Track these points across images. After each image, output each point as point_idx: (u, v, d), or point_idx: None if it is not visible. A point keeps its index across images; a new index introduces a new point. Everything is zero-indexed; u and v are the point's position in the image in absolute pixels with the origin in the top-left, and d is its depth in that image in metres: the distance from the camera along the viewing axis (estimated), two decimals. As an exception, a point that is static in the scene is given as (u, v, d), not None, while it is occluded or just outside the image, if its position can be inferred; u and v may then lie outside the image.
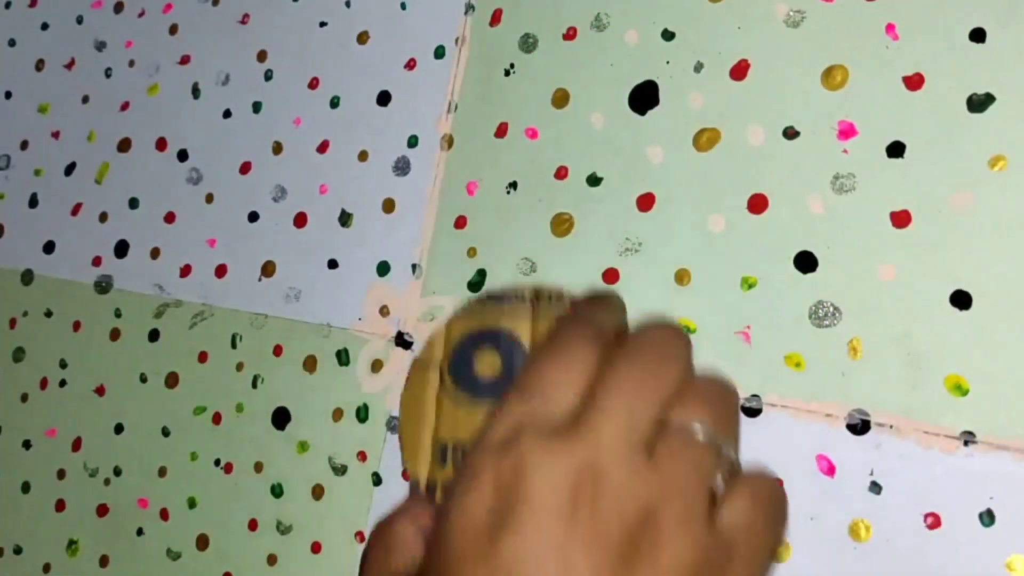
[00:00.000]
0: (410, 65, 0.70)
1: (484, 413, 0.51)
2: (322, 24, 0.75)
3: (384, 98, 0.71)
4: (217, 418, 0.73)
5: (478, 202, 0.66)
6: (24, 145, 0.88)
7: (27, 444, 0.82)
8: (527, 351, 0.52)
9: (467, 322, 0.54)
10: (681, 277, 0.58)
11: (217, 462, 0.73)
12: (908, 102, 0.53)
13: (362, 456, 0.67)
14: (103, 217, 0.82)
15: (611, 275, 0.60)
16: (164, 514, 0.74)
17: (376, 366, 0.67)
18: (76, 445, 0.79)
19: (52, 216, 0.85)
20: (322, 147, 0.73)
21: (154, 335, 0.78)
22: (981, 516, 0.48)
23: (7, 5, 0.93)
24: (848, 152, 0.54)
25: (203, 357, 0.75)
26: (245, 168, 0.76)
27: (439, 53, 0.69)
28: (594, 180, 0.62)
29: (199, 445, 0.74)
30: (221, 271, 0.76)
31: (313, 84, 0.74)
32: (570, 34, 0.65)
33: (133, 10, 0.85)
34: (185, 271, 0.77)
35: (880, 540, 0.50)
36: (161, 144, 0.81)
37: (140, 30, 0.85)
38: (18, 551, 0.81)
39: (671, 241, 0.58)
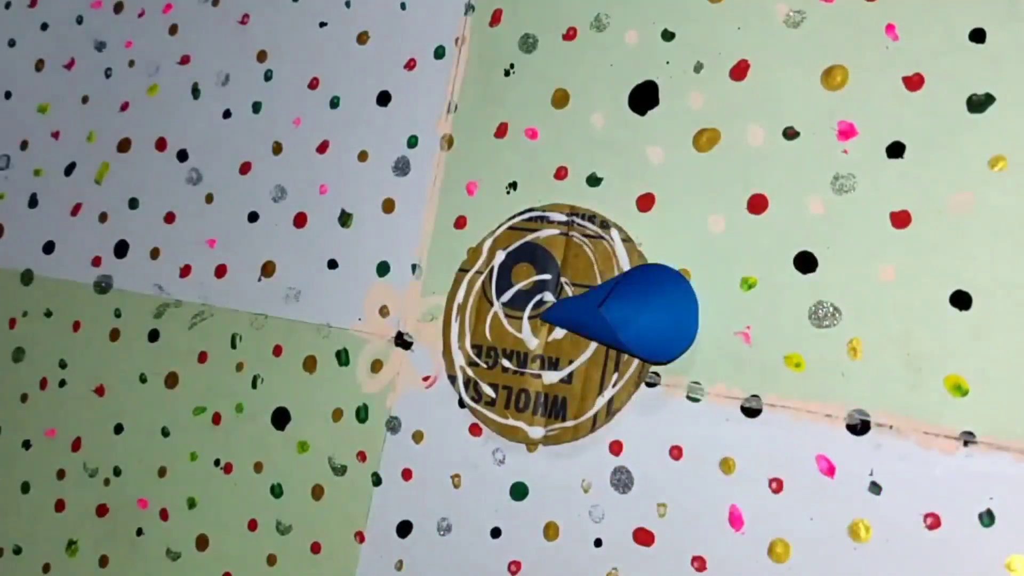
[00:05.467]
0: (410, 65, 0.70)
1: (518, 322, 0.61)
2: (322, 24, 0.75)
3: (384, 98, 0.71)
4: (217, 418, 0.73)
5: (478, 202, 0.66)
6: (24, 145, 0.88)
7: (27, 444, 0.82)
8: (560, 266, 0.60)
9: (510, 237, 0.63)
10: (681, 277, 0.58)
11: (217, 462, 0.73)
12: (908, 102, 0.53)
13: (362, 456, 0.67)
14: (103, 217, 0.82)
15: (611, 275, 0.60)
16: (164, 514, 0.74)
17: (376, 366, 0.67)
18: (76, 445, 0.79)
19: (52, 216, 0.85)
20: (322, 147, 0.73)
21: (154, 335, 0.78)
22: (981, 516, 0.48)
23: (7, 5, 0.93)
24: (848, 152, 0.54)
25: (203, 357, 0.75)
26: (245, 168, 0.76)
27: (439, 53, 0.69)
28: (594, 180, 0.62)
29: (199, 445, 0.74)
30: (221, 271, 0.76)
31: (313, 84, 0.74)
32: (570, 34, 0.65)
33: (133, 10, 0.85)
34: (185, 271, 0.77)
35: (880, 540, 0.50)
36: (161, 144, 0.81)
37: (140, 30, 0.85)
38: (17, 551, 0.81)
39: (671, 241, 0.58)
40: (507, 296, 0.62)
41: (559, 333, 0.60)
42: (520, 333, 0.61)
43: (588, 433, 0.58)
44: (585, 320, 0.56)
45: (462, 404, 0.63)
